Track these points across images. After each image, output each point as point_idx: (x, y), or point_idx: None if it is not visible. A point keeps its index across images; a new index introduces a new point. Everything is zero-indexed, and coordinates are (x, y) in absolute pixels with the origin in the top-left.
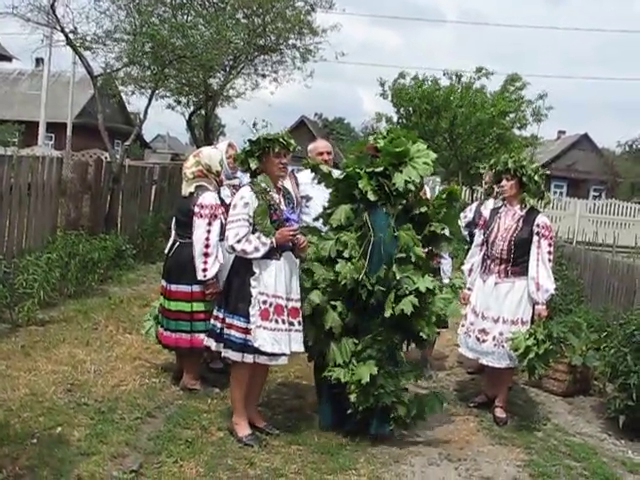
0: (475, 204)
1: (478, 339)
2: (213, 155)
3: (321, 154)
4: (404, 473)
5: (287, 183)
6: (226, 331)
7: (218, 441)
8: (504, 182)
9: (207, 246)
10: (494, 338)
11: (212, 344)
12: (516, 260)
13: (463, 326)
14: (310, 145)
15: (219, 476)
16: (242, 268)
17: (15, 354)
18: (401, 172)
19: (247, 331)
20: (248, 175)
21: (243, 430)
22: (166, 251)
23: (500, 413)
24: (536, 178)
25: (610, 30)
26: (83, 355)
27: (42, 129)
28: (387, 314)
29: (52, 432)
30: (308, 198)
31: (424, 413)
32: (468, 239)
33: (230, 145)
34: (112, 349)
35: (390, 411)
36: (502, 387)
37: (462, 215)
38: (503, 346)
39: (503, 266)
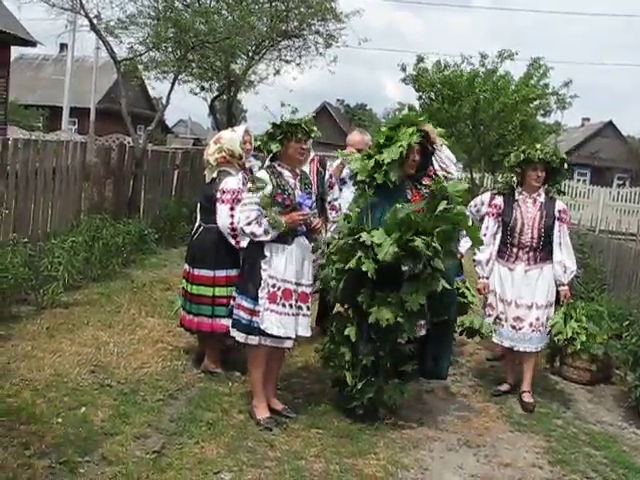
0: (487, 194)
1: (514, 327)
2: (235, 139)
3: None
4: (423, 458)
5: (306, 169)
6: (235, 311)
7: (239, 423)
8: (540, 172)
9: (234, 229)
10: (531, 324)
11: (230, 324)
12: (543, 246)
13: (490, 316)
14: (352, 137)
15: (239, 458)
16: (254, 251)
17: (40, 335)
18: (381, 153)
19: (253, 312)
20: (259, 160)
21: (262, 413)
22: (191, 235)
23: (528, 398)
24: (565, 166)
25: (637, 15)
26: (106, 337)
27: (66, 114)
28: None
29: (76, 412)
30: (344, 181)
31: (382, 400)
32: None
33: (246, 131)
34: (135, 332)
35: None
36: (530, 371)
37: (473, 203)
38: (540, 330)
39: (532, 253)
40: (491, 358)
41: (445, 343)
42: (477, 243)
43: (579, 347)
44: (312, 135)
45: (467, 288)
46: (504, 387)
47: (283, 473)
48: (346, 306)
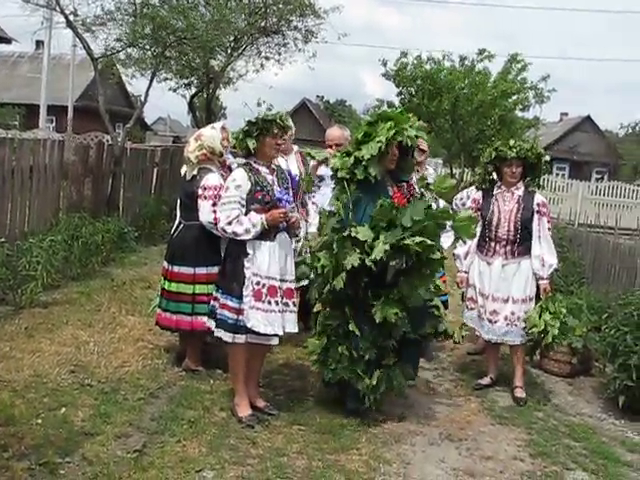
0: (473, 188)
1: (490, 320)
2: (215, 136)
3: (330, 146)
4: (405, 453)
5: (292, 162)
6: (219, 311)
7: (221, 421)
8: (514, 169)
9: (216, 224)
10: (506, 318)
11: (212, 324)
12: (521, 240)
13: (473, 309)
14: (332, 132)
15: (222, 455)
16: (236, 249)
17: (19, 336)
18: (360, 150)
19: (239, 311)
20: (237, 157)
21: (244, 410)
22: (171, 232)
23: (520, 393)
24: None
25: (613, 11)
26: (86, 337)
27: (43, 112)
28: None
29: (56, 412)
30: (322, 178)
31: (394, 389)
32: None
33: (223, 128)
34: (115, 331)
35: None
36: (520, 367)
37: (459, 196)
38: (516, 325)
39: (509, 247)
40: (472, 352)
41: (415, 348)
42: (467, 235)
43: (550, 340)
44: (287, 130)
45: (440, 290)
46: (485, 381)
47: (265, 470)
48: (333, 304)
